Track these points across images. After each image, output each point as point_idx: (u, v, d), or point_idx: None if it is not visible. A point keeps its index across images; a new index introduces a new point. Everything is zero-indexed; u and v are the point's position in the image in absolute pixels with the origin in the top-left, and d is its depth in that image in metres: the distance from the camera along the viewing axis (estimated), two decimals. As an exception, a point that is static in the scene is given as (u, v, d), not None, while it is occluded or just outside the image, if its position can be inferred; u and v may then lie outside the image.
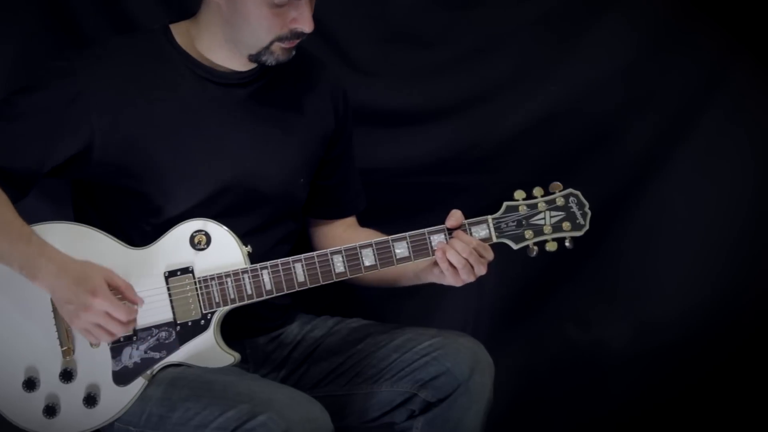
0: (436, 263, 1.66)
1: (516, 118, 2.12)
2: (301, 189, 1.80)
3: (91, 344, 1.60)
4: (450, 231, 1.66)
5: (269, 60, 1.64)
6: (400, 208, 2.10)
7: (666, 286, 2.25)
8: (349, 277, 1.66)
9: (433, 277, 1.70)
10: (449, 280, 1.66)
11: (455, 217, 1.66)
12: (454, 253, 1.63)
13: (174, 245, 1.64)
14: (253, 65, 1.69)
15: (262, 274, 1.64)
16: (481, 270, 1.65)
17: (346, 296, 2.05)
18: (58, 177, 1.65)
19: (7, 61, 1.89)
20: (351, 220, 1.92)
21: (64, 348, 1.60)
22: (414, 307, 2.19)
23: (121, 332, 1.55)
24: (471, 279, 1.65)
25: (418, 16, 2.05)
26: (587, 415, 2.30)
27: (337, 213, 1.91)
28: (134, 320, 1.56)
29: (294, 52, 1.66)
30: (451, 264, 1.63)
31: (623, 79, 2.12)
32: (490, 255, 1.65)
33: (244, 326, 1.74)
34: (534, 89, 2.10)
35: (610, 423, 2.29)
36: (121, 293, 1.55)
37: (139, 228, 1.66)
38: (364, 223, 1.94)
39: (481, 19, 2.07)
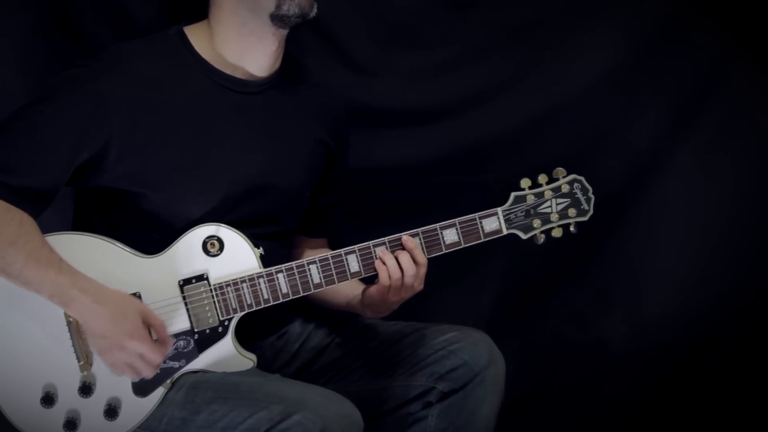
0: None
1: (516, 118, 2.13)
2: (306, 202, 1.80)
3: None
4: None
5: (291, 9, 1.60)
6: (400, 208, 2.10)
7: (665, 285, 2.27)
8: (363, 276, 1.66)
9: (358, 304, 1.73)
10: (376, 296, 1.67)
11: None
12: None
13: (186, 252, 1.60)
14: (267, 70, 1.67)
15: (277, 277, 1.62)
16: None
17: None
18: (69, 184, 1.59)
19: (7, 62, 1.82)
20: (324, 241, 1.93)
21: (81, 363, 1.55)
22: (412, 307, 2.18)
23: (150, 374, 1.54)
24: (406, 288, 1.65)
25: (418, 16, 2.05)
26: (586, 414, 2.31)
27: (319, 232, 1.91)
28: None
29: (316, 9, 1.62)
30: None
31: (623, 79, 2.14)
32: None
33: (253, 328, 1.71)
34: (534, 89, 2.11)
35: (609, 422, 2.30)
36: (156, 332, 1.53)
37: (149, 235, 1.62)
38: (364, 222, 1.93)
39: (481, 19, 2.07)
